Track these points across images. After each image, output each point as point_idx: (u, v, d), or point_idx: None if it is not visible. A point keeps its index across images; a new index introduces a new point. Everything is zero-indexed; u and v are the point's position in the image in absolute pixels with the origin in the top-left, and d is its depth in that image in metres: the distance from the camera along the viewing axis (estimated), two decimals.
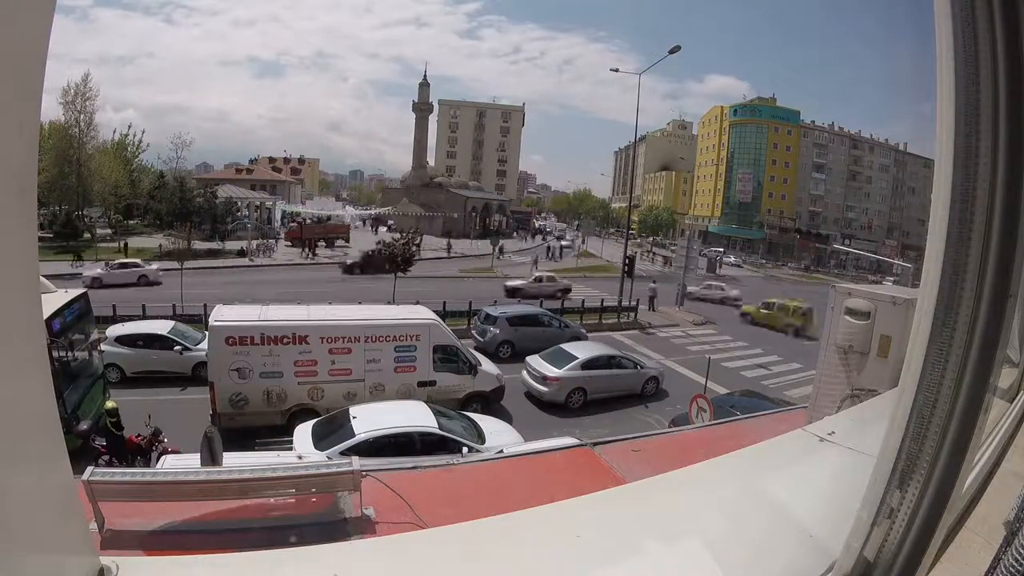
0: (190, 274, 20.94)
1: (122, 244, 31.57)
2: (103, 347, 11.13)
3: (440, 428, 8.46)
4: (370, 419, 8.33)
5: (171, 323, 13.53)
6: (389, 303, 18.50)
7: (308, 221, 45.47)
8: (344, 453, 7.21)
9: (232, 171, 64.25)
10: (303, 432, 8.56)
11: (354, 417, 8.40)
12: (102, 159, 40.24)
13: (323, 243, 39.54)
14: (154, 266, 24.63)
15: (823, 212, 75.54)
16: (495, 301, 20.32)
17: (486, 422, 9.75)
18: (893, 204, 75.15)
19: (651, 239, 64.89)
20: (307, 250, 35.74)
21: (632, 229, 51.75)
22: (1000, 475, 2.11)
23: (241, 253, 33.22)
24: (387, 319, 11.27)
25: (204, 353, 10.95)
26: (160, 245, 29.09)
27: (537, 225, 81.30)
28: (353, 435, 7.96)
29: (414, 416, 8.65)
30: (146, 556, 2.68)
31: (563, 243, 53.55)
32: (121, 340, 12.32)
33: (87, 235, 32.95)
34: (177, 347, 12.41)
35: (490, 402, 11.83)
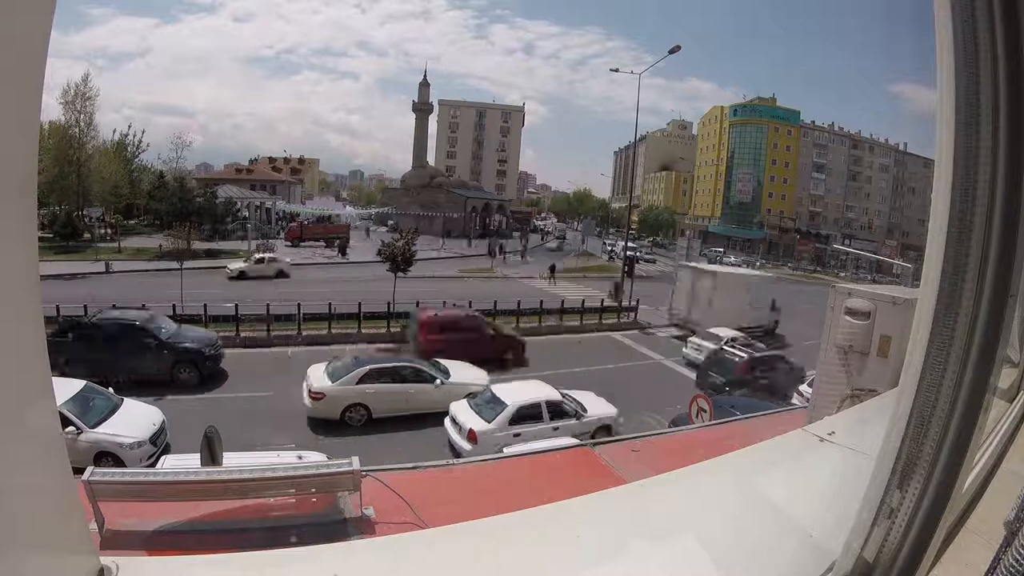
0: (189, 274, 20.93)
1: (118, 245, 31.56)
2: None
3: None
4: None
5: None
6: (388, 303, 18.64)
7: (308, 222, 45.63)
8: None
9: (232, 171, 64.27)
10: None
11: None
12: (102, 159, 40.24)
13: (323, 243, 39.67)
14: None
15: (823, 212, 75.54)
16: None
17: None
18: (893, 204, 75.16)
19: (650, 239, 64.86)
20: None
21: (632, 229, 51.56)
22: (1000, 475, 2.11)
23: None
24: None
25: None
26: (160, 245, 29.09)
27: (537, 225, 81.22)
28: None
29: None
30: (146, 556, 2.68)
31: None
32: None
33: (87, 235, 32.95)
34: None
35: None
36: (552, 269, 31.61)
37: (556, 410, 10.59)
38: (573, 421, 10.56)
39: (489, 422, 10.05)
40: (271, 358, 15.28)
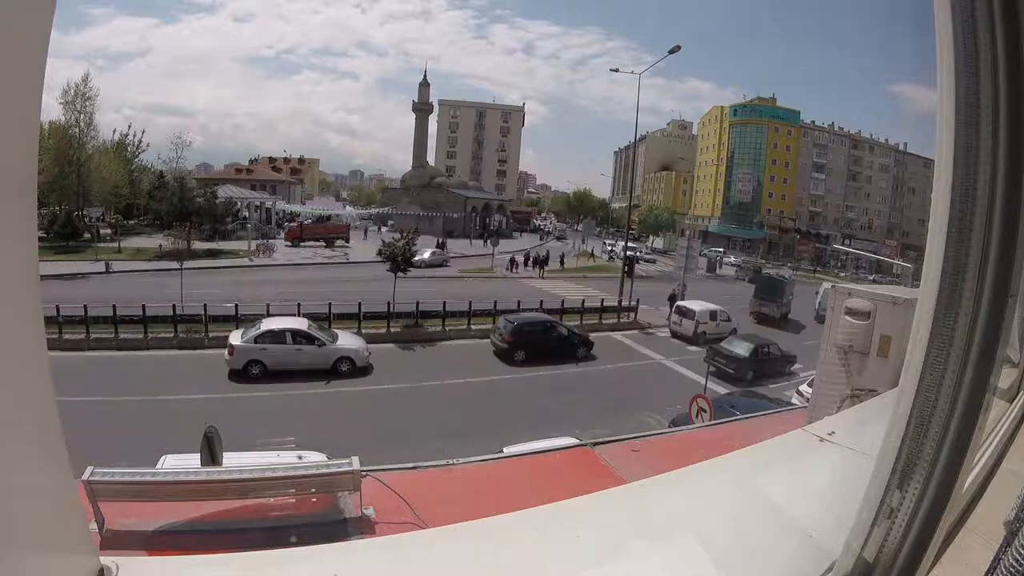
0: (190, 274, 20.93)
1: (118, 245, 31.51)
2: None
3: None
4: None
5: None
6: (388, 303, 18.66)
7: (308, 222, 45.68)
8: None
9: (232, 171, 64.33)
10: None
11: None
12: (102, 159, 40.22)
13: (323, 243, 39.67)
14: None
15: (823, 212, 75.58)
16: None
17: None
18: (893, 204, 75.21)
19: (651, 239, 64.84)
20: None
21: (632, 229, 51.51)
22: (1000, 475, 2.11)
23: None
24: None
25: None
26: (160, 245, 29.10)
27: (537, 225, 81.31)
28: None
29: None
30: (146, 556, 2.68)
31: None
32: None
33: (87, 235, 32.94)
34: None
35: None
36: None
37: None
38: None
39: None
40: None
